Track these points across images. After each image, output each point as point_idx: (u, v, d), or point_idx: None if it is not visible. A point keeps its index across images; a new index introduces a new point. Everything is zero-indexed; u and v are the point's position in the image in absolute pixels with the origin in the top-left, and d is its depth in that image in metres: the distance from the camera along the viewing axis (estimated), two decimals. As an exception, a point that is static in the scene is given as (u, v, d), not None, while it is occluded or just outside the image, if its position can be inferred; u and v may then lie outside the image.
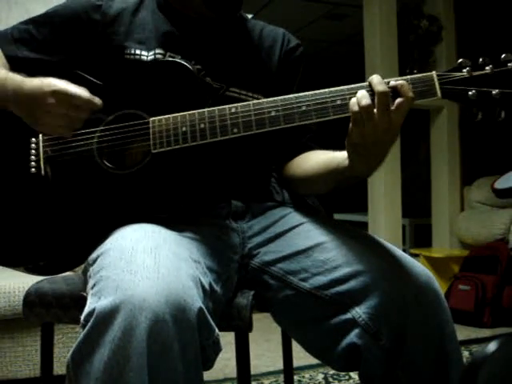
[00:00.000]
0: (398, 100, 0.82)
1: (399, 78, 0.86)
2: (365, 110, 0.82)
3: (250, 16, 1.20)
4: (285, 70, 1.12)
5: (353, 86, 0.87)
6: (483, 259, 2.96)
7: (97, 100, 0.93)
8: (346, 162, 0.90)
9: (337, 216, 4.83)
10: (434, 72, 0.86)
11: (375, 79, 0.84)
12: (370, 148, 0.85)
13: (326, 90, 0.88)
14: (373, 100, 0.82)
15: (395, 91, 0.83)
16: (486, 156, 3.56)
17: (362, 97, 0.83)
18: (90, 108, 0.93)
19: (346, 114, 0.85)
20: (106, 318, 0.69)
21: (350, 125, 0.84)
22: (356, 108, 0.83)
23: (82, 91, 0.92)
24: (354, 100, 0.83)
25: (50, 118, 0.91)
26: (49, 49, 1.02)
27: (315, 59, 5.53)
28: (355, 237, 0.98)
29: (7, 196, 0.95)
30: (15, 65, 1.01)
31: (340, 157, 0.93)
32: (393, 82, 0.84)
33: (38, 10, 1.08)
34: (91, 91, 0.96)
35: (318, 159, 1.03)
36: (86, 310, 0.73)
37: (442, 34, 3.58)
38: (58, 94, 0.90)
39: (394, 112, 0.82)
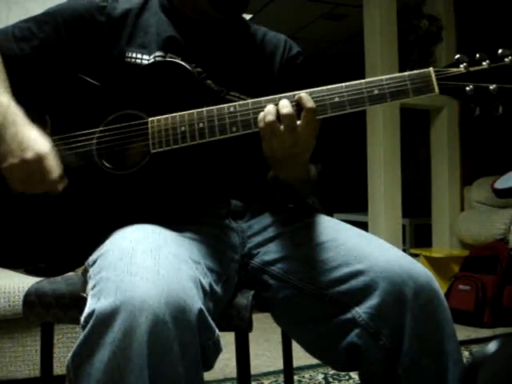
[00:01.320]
0: (302, 113, 0.86)
1: (396, 74, 0.86)
2: (269, 126, 0.86)
3: (249, 16, 1.20)
4: (285, 77, 1.12)
5: (349, 82, 0.88)
6: (483, 259, 2.96)
7: (61, 186, 0.91)
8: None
9: (337, 216, 4.82)
10: (431, 68, 0.86)
11: (281, 103, 0.86)
12: (281, 160, 0.91)
13: (324, 87, 0.88)
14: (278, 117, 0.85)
15: (298, 104, 0.86)
16: (486, 156, 3.56)
17: (267, 113, 0.86)
18: (49, 190, 0.91)
19: (345, 112, 0.87)
20: (106, 319, 0.69)
21: (262, 139, 0.89)
22: (262, 124, 0.87)
23: (57, 171, 0.90)
24: (261, 115, 0.87)
25: (15, 167, 0.89)
26: (50, 48, 1.02)
27: (315, 59, 5.53)
28: (355, 236, 0.98)
29: (6, 198, 0.94)
30: (15, 64, 1.00)
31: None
32: (296, 97, 0.87)
33: (38, 9, 1.07)
34: (90, 92, 0.96)
35: None
36: (86, 311, 0.73)
37: (441, 33, 3.58)
38: (41, 157, 0.88)
39: (301, 127, 0.86)
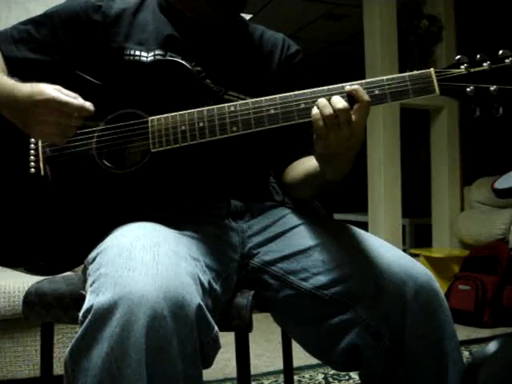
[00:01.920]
0: (356, 106, 0.84)
1: (398, 75, 0.86)
2: (328, 120, 0.83)
3: (249, 16, 1.20)
4: (284, 75, 1.12)
5: (347, 84, 0.87)
6: (483, 259, 2.96)
7: (88, 105, 0.91)
8: (319, 169, 0.94)
9: (337, 216, 4.83)
10: (432, 69, 0.87)
11: (334, 98, 0.84)
12: (336, 155, 0.88)
13: (325, 87, 0.88)
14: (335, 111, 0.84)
15: (351, 96, 0.85)
16: (486, 156, 3.56)
17: (323, 107, 0.84)
18: (82, 115, 0.91)
19: None
20: (105, 314, 0.69)
21: (314, 136, 0.86)
22: (320, 122, 0.84)
23: (73, 99, 0.91)
24: (316, 112, 0.85)
25: (43, 126, 0.90)
26: (48, 49, 1.02)
27: (315, 59, 5.53)
28: (355, 237, 0.98)
29: (7, 196, 0.95)
30: (14, 66, 1.01)
31: (315, 164, 0.96)
32: (348, 87, 0.85)
33: (38, 9, 1.08)
34: (90, 91, 0.96)
35: (305, 165, 1.04)
36: (85, 306, 0.73)
37: (442, 33, 3.58)
38: (49, 103, 0.89)
39: (354, 120, 0.84)
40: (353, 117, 0.83)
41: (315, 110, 0.85)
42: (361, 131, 0.85)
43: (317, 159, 0.92)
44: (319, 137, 0.85)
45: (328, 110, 0.83)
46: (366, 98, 0.84)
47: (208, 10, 1.04)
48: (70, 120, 0.91)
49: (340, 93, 0.86)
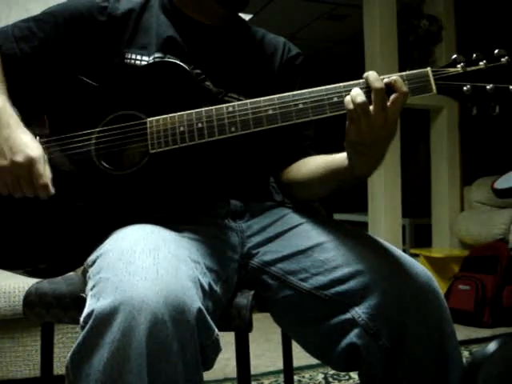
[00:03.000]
0: (393, 96, 0.83)
1: (394, 74, 0.86)
2: (360, 107, 0.82)
3: (249, 16, 1.20)
4: (284, 78, 1.12)
5: (349, 83, 0.87)
6: (483, 259, 2.96)
7: (50, 192, 0.91)
8: (346, 163, 0.91)
9: (337, 216, 4.83)
10: (428, 68, 0.87)
11: (371, 76, 0.84)
12: (369, 145, 0.85)
13: (323, 87, 0.88)
14: (368, 97, 0.83)
15: (389, 88, 0.84)
16: (486, 156, 3.56)
17: (356, 94, 0.83)
18: (39, 193, 0.91)
19: (343, 111, 0.86)
20: (105, 319, 0.69)
21: (347, 123, 0.85)
22: (351, 106, 0.83)
23: (47, 177, 0.90)
24: (348, 98, 0.84)
25: (3, 169, 0.89)
26: (49, 48, 1.01)
27: (315, 59, 5.53)
28: (355, 237, 0.98)
29: (6, 199, 0.94)
30: (14, 64, 1.00)
31: (339, 158, 0.94)
32: (386, 79, 0.84)
33: (38, 9, 1.07)
34: (89, 93, 0.96)
35: (317, 162, 1.03)
36: (85, 311, 0.73)
37: (441, 33, 3.59)
38: (31, 162, 0.89)
39: (390, 108, 0.83)
40: (388, 104, 0.83)
41: (348, 97, 0.84)
42: (394, 122, 0.84)
43: (347, 150, 0.89)
44: (352, 123, 0.84)
45: (361, 98, 0.82)
46: (405, 89, 0.83)
47: (214, 5, 1.04)
48: (26, 186, 0.90)
49: (346, 91, 0.86)
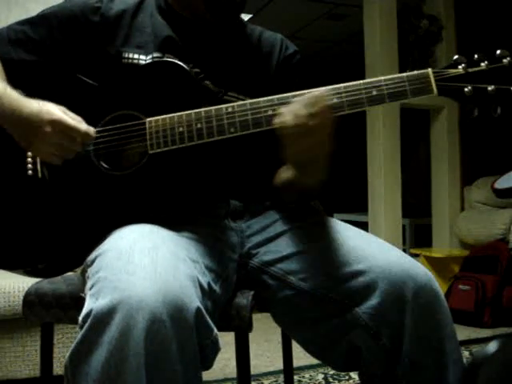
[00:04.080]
0: (316, 112, 0.83)
1: (394, 75, 0.86)
2: (298, 127, 0.83)
3: (249, 16, 1.20)
4: (282, 76, 1.12)
5: (349, 84, 0.87)
6: (483, 259, 2.96)
7: (92, 132, 0.92)
8: (294, 174, 0.95)
9: (337, 216, 4.82)
10: (429, 69, 0.87)
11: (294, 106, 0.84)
12: (305, 162, 0.89)
13: (322, 88, 0.88)
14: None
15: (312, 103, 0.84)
16: (486, 156, 3.56)
17: (294, 114, 0.84)
18: (85, 141, 0.92)
19: (342, 112, 0.86)
20: (104, 318, 0.69)
21: (283, 146, 0.87)
22: (292, 124, 0.84)
23: (79, 123, 0.91)
24: (279, 120, 0.85)
25: (44, 145, 0.90)
26: (45, 50, 1.01)
27: (315, 59, 5.53)
28: (355, 237, 0.97)
29: (4, 199, 0.94)
30: (10, 67, 1.00)
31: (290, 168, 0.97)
32: (308, 95, 0.85)
33: (38, 10, 1.07)
34: (87, 93, 0.96)
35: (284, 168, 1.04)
36: (84, 310, 0.73)
37: (442, 33, 3.58)
38: (56, 124, 0.89)
39: (315, 126, 0.83)
40: (311, 123, 0.83)
41: (279, 119, 0.85)
42: (324, 137, 0.85)
43: (291, 166, 0.93)
44: (289, 144, 0.86)
45: (290, 118, 0.84)
46: (326, 103, 0.84)
47: (205, 13, 1.04)
48: (72, 144, 0.91)
49: (341, 93, 0.86)
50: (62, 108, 0.91)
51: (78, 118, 0.91)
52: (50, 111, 0.90)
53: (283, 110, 0.85)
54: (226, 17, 1.06)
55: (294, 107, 0.84)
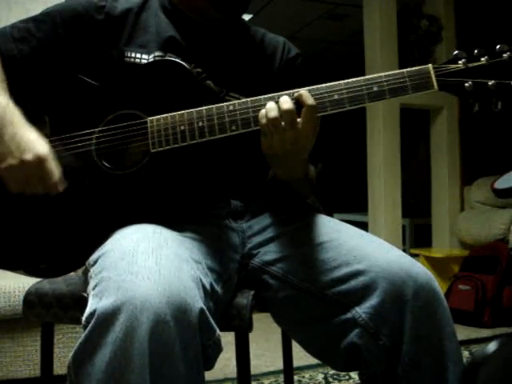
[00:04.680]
0: (302, 110, 0.86)
1: (394, 71, 0.86)
2: (271, 122, 0.86)
3: (249, 16, 1.20)
4: (284, 78, 1.12)
5: (332, 83, 0.88)
6: (483, 259, 2.96)
7: (60, 187, 0.91)
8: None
9: (337, 216, 4.82)
10: (430, 65, 0.87)
11: (282, 98, 0.87)
12: (281, 158, 0.91)
13: (323, 85, 0.89)
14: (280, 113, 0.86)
15: (297, 101, 0.86)
16: (486, 156, 3.56)
17: (270, 109, 0.86)
18: (50, 191, 0.90)
19: (343, 109, 0.87)
20: (108, 318, 0.69)
21: (261, 136, 0.89)
22: (264, 121, 0.87)
23: (56, 173, 0.90)
24: (262, 112, 0.87)
25: (16, 169, 0.88)
26: (48, 48, 1.01)
27: (315, 59, 5.53)
28: (355, 236, 0.98)
29: (6, 198, 0.94)
30: (14, 65, 1.00)
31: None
32: (296, 94, 0.87)
33: (38, 9, 1.07)
34: (89, 92, 0.95)
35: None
36: (88, 310, 0.73)
37: (441, 33, 3.58)
38: (39, 159, 0.88)
39: (301, 123, 0.86)
40: (298, 120, 0.86)
41: (262, 111, 0.87)
42: (307, 137, 0.88)
43: (267, 160, 0.95)
44: (264, 136, 0.88)
45: (273, 113, 0.86)
46: (310, 102, 0.86)
47: (210, 10, 1.04)
48: (38, 184, 0.90)
49: (342, 90, 0.86)
50: (52, 152, 0.91)
51: (59, 170, 0.91)
52: (43, 146, 0.89)
53: (270, 104, 0.87)
54: (231, 12, 1.06)
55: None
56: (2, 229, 0.97)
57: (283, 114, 0.85)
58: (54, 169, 0.90)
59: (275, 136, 0.87)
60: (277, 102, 0.87)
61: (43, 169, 0.88)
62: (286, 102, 0.86)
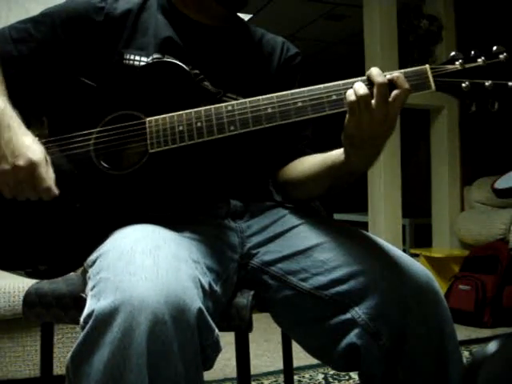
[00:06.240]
0: (395, 92, 0.84)
1: (393, 71, 0.86)
2: (362, 99, 0.83)
3: (249, 16, 1.20)
4: (283, 78, 1.12)
5: (348, 80, 0.88)
6: (483, 259, 2.96)
7: (54, 193, 0.90)
8: (342, 157, 0.92)
9: (337, 216, 4.82)
10: (427, 65, 0.87)
11: (374, 71, 0.85)
12: (366, 140, 0.86)
13: (321, 85, 0.88)
14: (370, 91, 0.83)
15: (391, 84, 0.84)
16: (486, 156, 3.56)
17: (359, 87, 0.84)
18: (43, 196, 0.90)
19: (342, 109, 0.86)
20: (106, 319, 0.69)
21: (347, 116, 0.85)
22: (353, 98, 0.84)
23: (49, 179, 0.89)
24: (350, 90, 0.84)
25: (8, 173, 0.88)
26: (47, 49, 1.01)
27: (315, 59, 5.53)
28: (355, 237, 0.98)
29: (5, 200, 0.94)
30: (12, 65, 1.00)
31: (335, 153, 0.95)
32: (389, 76, 0.85)
33: (38, 9, 1.07)
34: (87, 93, 0.95)
35: (313, 160, 1.04)
36: (86, 311, 0.73)
37: (442, 33, 3.58)
38: (32, 165, 0.87)
39: (391, 104, 0.83)
40: (390, 100, 0.83)
41: (350, 90, 0.84)
42: (394, 118, 0.85)
43: (344, 144, 0.89)
44: (352, 116, 0.84)
45: (363, 90, 0.83)
46: (407, 86, 0.84)
47: (213, 4, 1.04)
48: (30, 189, 0.89)
49: (345, 89, 0.86)
50: (48, 158, 0.91)
51: (52, 176, 0.90)
52: (36, 152, 0.89)
53: (358, 83, 0.85)
54: (233, 4, 1.06)
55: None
56: (1, 230, 0.96)
57: (377, 89, 0.83)
58: (46, 175, 0.89)
59: (365, 114, 0.83)
60: (366, 84, 0.84)
61: (35, 175, 0.88)
62: (380, 75, 0.84)
